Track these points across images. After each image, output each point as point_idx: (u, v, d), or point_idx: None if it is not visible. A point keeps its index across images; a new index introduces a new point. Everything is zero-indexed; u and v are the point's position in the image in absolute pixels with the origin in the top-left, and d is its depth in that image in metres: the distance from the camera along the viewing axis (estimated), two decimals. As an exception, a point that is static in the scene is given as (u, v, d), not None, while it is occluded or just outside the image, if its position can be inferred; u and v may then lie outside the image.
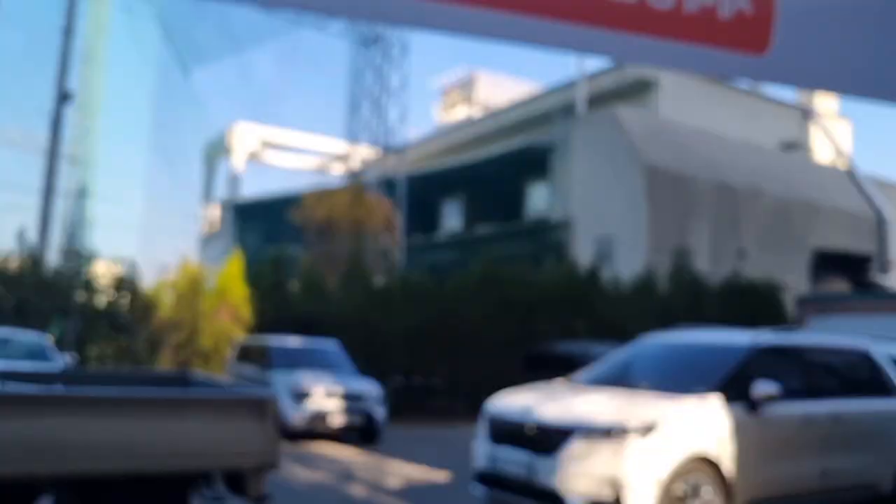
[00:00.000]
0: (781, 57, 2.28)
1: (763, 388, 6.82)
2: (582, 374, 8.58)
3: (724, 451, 6.59)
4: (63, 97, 23.13)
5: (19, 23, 49.82)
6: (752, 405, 6.82)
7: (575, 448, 6.42)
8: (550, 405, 7.05)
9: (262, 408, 5.04)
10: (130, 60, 63.56)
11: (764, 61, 2.30)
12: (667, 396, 6.86)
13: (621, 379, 7.95)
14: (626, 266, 24.09)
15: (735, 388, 6.91)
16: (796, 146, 35.01)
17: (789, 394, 7.15)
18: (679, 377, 7.53)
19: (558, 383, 8.28)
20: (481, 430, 7.57)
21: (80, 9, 27.35)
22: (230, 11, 32.82)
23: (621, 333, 19.75)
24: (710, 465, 6.53)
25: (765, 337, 7.71)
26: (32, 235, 19.52)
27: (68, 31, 23.96)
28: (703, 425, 6.60)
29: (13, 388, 5.10)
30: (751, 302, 23.16)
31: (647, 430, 6.35)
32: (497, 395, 8.00)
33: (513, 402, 7.45)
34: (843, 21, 2.35)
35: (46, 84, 25.48)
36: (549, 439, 6.62)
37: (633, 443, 6.31)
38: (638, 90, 32.25)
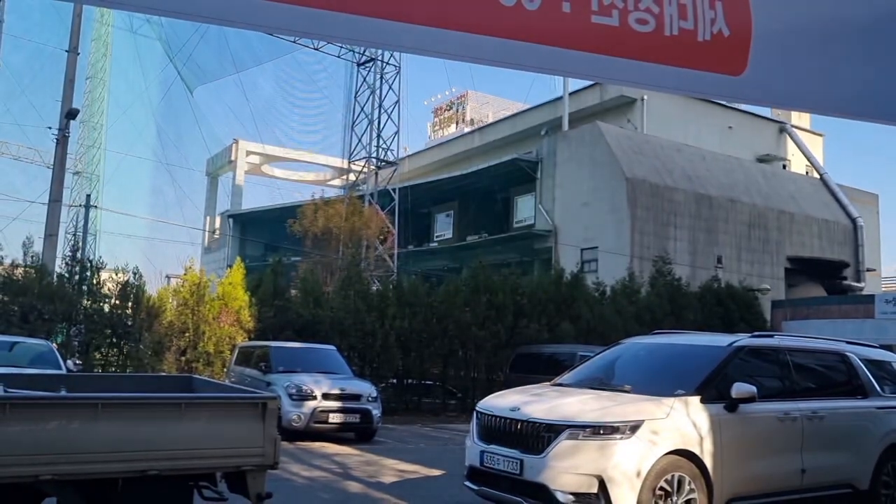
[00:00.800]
0: (758, 78, 2.29)
1: (742, 388, 6.81)
2: (568, 375, 8.57)
3: (705, 449, 6.58)
4: (69, 114, 23.05)
5: (26, 43, 49.67)
6: (732, 405, 6.82)
7: (563, 446, 6.40)
8: (539, 405, 7.03)
9: (263, 409, 5.03)
10: (134, 79, 63.46)
11: (741, 82, 2.31)
12: (650, 397, 6.86)
13: (605, 380, 7.93)
14: (609, 272, 24.20)
15: (715, 388, 6.91)
16: (772, 158, 35.25)
17: (768, 394, 7.15)
18: (661, 378, 7.53)
19: (545, 384, 8.28)
20: (472, 429, 7.55)
21: (86, 30, 27.36)
22: (230, 32, 32.81)
23: (605, 336, 19.87)
24: (693, 462, 6.52)
25: (744, 339, 7.73)
26: (38, 245, 19.44)
27: (74, 51, 23.89)
28: (685, 424, 6.59)
29: (17, 392, 5.07)
30: (728, 306, 23.28)
31: (633, 428, 6.33)
32: (487, 396, 7.98)
33: (502, 402, 7.43)
34: (817, 43, 2.36)
35: (53, 101, 25.46)
36: (537, 438, 6.60)
37: (619, 441, 6.31)
38: (619, 106, 32.40)
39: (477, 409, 7.59)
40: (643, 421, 6.42)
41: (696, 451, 6.55)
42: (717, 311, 22.95)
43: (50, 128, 23.77)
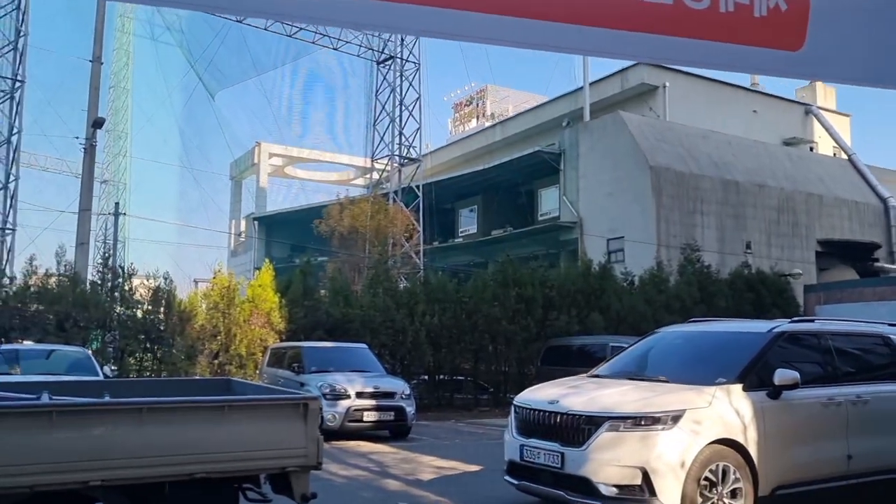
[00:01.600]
0: (816, 53, 2.20)
1: (785, 374, 6.70)
2: (604, 366, 8.49)
3: (749, 437, 6.47)
4: (95, 123, 23.27)
5: (50, 55, 50.30)
6: (775, 392, 6.70)
7: (604, 438, 6.34)
8: (577, 397, 6.97)
9: (304, 409, 5.01)
10: (157, 86, 64.09)
11: (799, 57, 2.22)
12: (691, 386, 6.77)
13: (643, 370, 7.85)
14: (636, 262, 24.00)
15: (757, 375, 6.80)
16: (798, 141, 34.75)
17: (810, 380, 7.02)
18: (700, 367, 7.43)
19: (582, 376, 8.20)
20: (510, 424, 7.49)
21: (108, 39, 27.61)
22: (250, 36, 32.93)
23: (635, 326, 19.73)
24: (737, 451, 6.42)
25: (784, 325, 7.59)
26: (70, 253, 19.66)
27: (97, 61, 24.12)
28: (727, 413, 6.49)
29: (63, 399, 5.10)
30: (760, 292, 22.98)
31: (675, 418, 6.25)
32: (524, 390, 7.92)
33: (540, 395, 7.37)
34: (873, 15, 2.27)
35: (79, 112, 25.74)
36: (578, 430, 6.54)
37: (662, 431, 6.22)
38: (641, 95, 32.09)
39: (514, 403, 7.54)
40: (685, 410, 6.34)
41: (741, 439, 6.46)
42: (748, 297, 22.66)
43: (77, 137, 24.08)
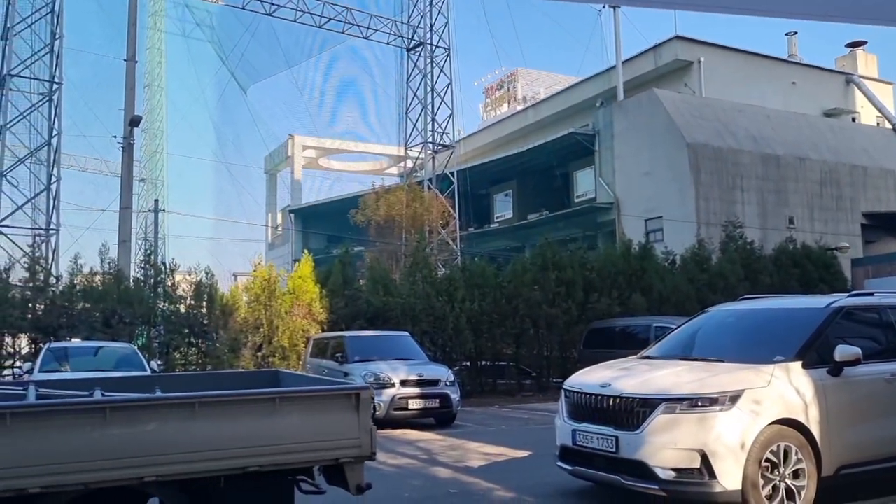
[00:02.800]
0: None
1: (846, 350, 6.46)
2: (654, 347, 8.30)
3: (811, 417, 6.26)
4: (132, 122, 23.51)
5: (85, 56, 50.98)
6: (836, 369, 6.47)
7: (660, 420, 6.16)
8: (630, 379, 6.80)
9: (356, 399, 4.93)
10: (190, 83, 64.69)
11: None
12: (747, 365, 6.56)
13: (695, 350, 7.64)
14: (677, 241, 23.63)
15: (816, 352, 6.56)
16: (840, 112, 33.87)
17: (872, 355, 6.76)
18: (756, 345, 7.20)
19: (632, 358, 8.02)
20: (561, 408, 7.35)
21: (140, 38, 27.85)
22: (280, 28, 32.95)
23: (678, 306, 19.42)
24: (798, 431, 6.21)
25: (842, 299, 7.32)
26: (114, 252, 19.90)
27: (132, 60, 24.33)
28: (787, 392, 6.27)
29: (115, 395, 5.07)
30: (806, 268, 22.46)
31: (733, 399, 6.06)
32: (575, 373, 7.76)
33: (591, 378, 7.21)
34: None
35: (115, 112, 26.04)
36: (632, 413, 6.38)
37: (720, 412, 6.03)
38: (675, 71, 31.51)
39: (565, 387, 7.39)
40: (743, 391, 6.15)
41: (802, 419, 6.25)
42: (793, 273, 22.17)
43: (115, 137, 24.35)
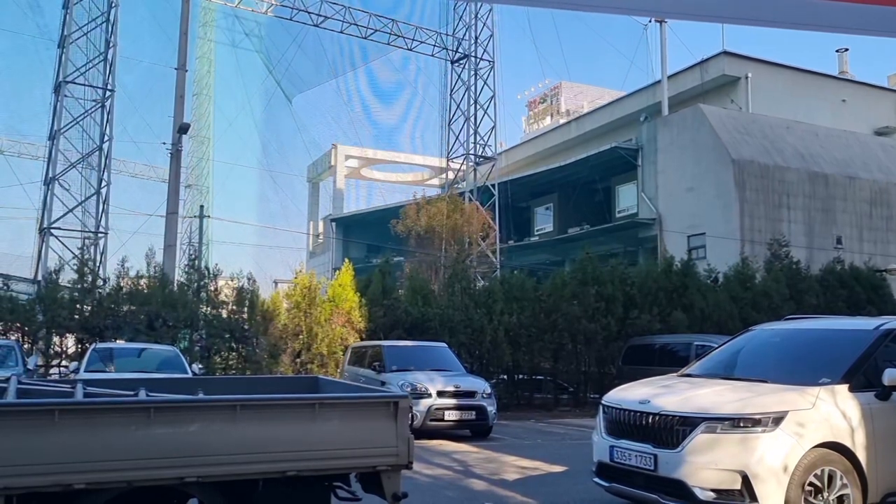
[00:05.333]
0: None
1: (895, 374, 6.30)
2: (696, 365, 8.18)
3: (857, 441, 6.10)
4: (181, 129, 23.96)
5: (137, 64, 52.19)
6: (884, 393, 6.29)
7: (700, 440, 6.06)
8: (670, 397, 6.70)
9: (395, 408, 4.95)
10: (237, 92, 65.76)
11: None
12: (791, 386, 6.42)
13: (738, 369, 7.51)
14: (720, 259, 23.27)
15: (864, 375, 6.40)
16: (891, 130, 33.13)
17: (924, 379, 6.58)
18: (801, 366, 7.05)
19: (672, 375, 7.91)
20: (599, 424, 7.28)
21: (191, 47, 28.43)
22: (326, 38, 33.39)
23: (721, 324, 19.11)
24: (843, 456, 6.06)
25: (892, 322, 7.13)
26: (159, 256, 20.26)
27: (182, 68, 24.83)
28: (833, 415, 6.12)
29: (159, 395, 5.16)
30: (853, 289, 21.93)
31: (777, 420, 5.93)
32: (613, 389, 7.68)
33: (630, 394, 7.12)
34: None
35: (165, 118, 26.59)
36: (671, 431, 6.28)
37: (762, 434, 5.92)
38: (722, 87, 31.17)
39: (603, 402, 7.31)
40: (787, 412, 6.01)
41: (847, 443, 6.09)
42: (840, 293, 21.67)
43: (164, 143, 24.85)
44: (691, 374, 7.76)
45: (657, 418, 6.44)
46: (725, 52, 30.46)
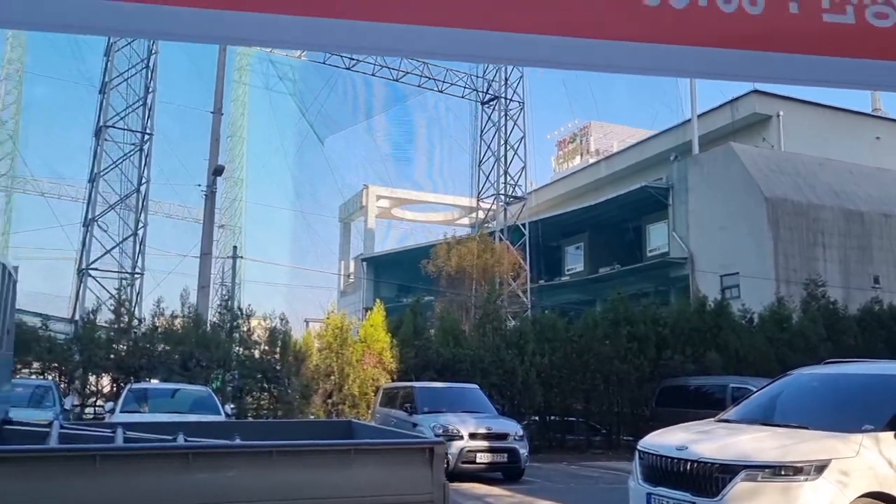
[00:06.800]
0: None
1: (943, 421, 6.13)
2: (733, 410, 8.03)
3: (904, 490, 5.94)
4: (216, 171, 24.41)
5: (173, 107, 53.52)
6: (932, 440, 6.13)
7: (740, 488, 5.93)
8: (709, 443, 6.59)
9: (430, 454, 4.92)
10: (271, 134, 67.04)
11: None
12: (834, 433, 6.28)
13: (777, 415, 7.38)
14: (754, 298, 22.93)
15: (910, 421, 6.26)
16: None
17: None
18: (843, 412, 6.90)
19: (709, 420, 7.79)
20: (635, 470, 7.16)
21: (226, 91, 29.07)
22: (358, 81, 34.03)
23: (756, 366, 18.76)
24: (890, 505, 5.91)
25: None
26: (193, 296, 20.50)
27: (218, 112, 25.39)
28: (878, 463, 5.96)
29: (199, 441, 5.19)
30: (893, 330, 21.43)
31: (819, 469, 5.80)
32: (650, 434, 7.56)
33: (667, 440, 7.01)
34: None
35: (200, 161, 27.13)
36: (710, 479, 6.16)
37: (805, 482, 5.78)
38: (753, 125, 31.05)
39: (639, 447, 7.20)
40: (830, 460, 5.87)
41: (894, 493, 5.91)
42: (879, 334, 21.18)
43: (199, 185, 25.32)
44: (729, 419, 7.63)
45: (696, 465, 6.33)
46: (756, 91, 30.40)
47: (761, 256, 25.43)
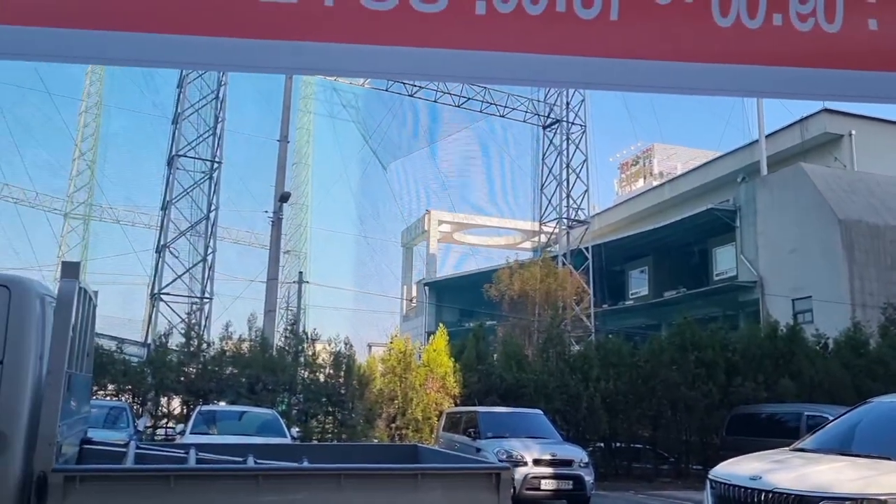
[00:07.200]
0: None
1: None
2: (809, 439, 7.75)
3: None
4: (282, 198, 24.94)
5: (242, 137, 55.08)
6: None
7: (820, 521, 5.72)
8: (784, 473, 6.36)
9: (497, 479, 4.88)
10: (335, 161, 68.31)
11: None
12: (919, 464, 6.00)
13: (857, 444, 7.08)
14: (829, 323, 22.14)
15: None
16: None
17: None
18: (928, 442, 6.60)
19: (784, 450, 7.52)
20: (706, 500, 6.96)
21: (292, 120, 29.78)
22: (420, 107, 34.45)
23: (832, 394, 18.07)
24: (982, 541, 5.59)
25: None
26: (260, 321, 20.89)
27: (284, 140, 26.00)
28: (968, 496, 5.68)
29: (268, 463, 5.26)
30: (980, 356, 20.36)
31: (904, 501, 5.55)
32: (721, 463, 7.35)
33: (740, 469, 6.80)
34: None
35: (266, 188, 27.79)
36: (787, 511, 5.95)
37: (889, 516, 5.53)
38: (823, 145, 30.20)
39: (710, 477, 7.01)
40: (916, 492, 5.60)
41: None
42: (965, 361, 20.18)
43: (266, 211, 25.91)
44: (805, 448, 7.37)
45: (770, 496, 6.11)
46: (826, 110, 29.61)
47: (835, 280, 24.61)
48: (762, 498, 6.17)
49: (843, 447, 7.04)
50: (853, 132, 29.24)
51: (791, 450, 7.43)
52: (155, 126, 50.51)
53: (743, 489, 6.40)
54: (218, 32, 1.88)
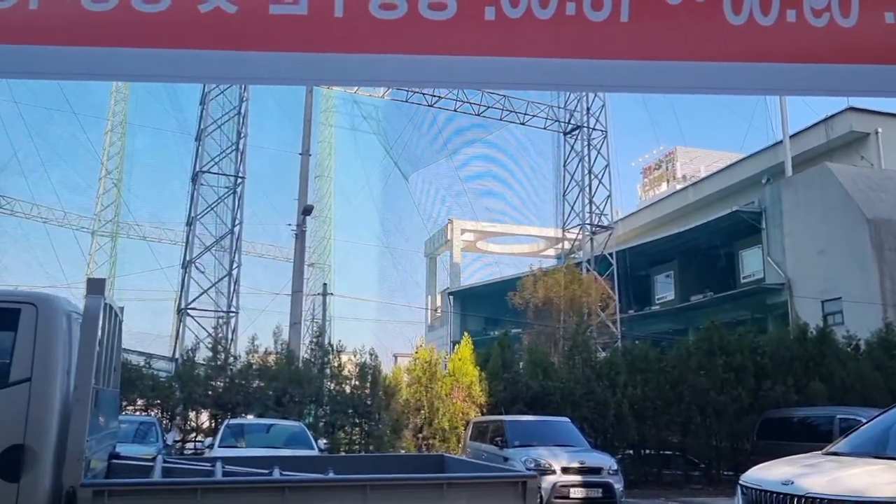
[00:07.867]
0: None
1: None
2: (842, 442, 7.62)
3: None
4: (305, 211, 25.10)
5: (265, 151, 55.56)
6: None
7: (855, 526, 5.61)
8: (817, 477, 6.25)
9: (523, 488, 4.85)
10: (357, 173, 68.63)
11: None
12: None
13: (891, 447, 6.95)
14: (859, 324, 21.78)
15: None
16: None
17: None
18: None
19: (816, 453, 7.40)
20: (738, 506, 6.86)
21: (314, 133, 29.99)
22: (440, 117, 34.52)
23: (865, 396, 17.76)
24: None
25: None
26: (286, 333, 20.97)
27: (306, 153, 26.19)
28: None
29: (293, 475, 5.27)
30: None
31: (941, 505, 5.44)
32: (753, 468, 7.24)
33: (771, 474, 6.70)
34: None
35: (290, 201, 28.00)
36: (821, 516, 5.84)
37: (926, 520, 5.42)
38: (849, 144, 29.81)
39: (741, 482, 6.91)
40: (954, 496, 5.49)
41: None
42: None
43: (289, 224, 26.08)
44: (838, 451, 7.24)
45: (803, 501, 6.01)
46: (851, 109, 29.25)
47: (865, 280, 24.24)
48: (794, 503, 6.08)
49: (878, 450, 6.91)
50: (879, 130, 28.85)
51: (824, 453, 7.31)
52: (179, 143, 51.09)
53: (775, 494, 6.30)
54: (230, 46, 1.90)
